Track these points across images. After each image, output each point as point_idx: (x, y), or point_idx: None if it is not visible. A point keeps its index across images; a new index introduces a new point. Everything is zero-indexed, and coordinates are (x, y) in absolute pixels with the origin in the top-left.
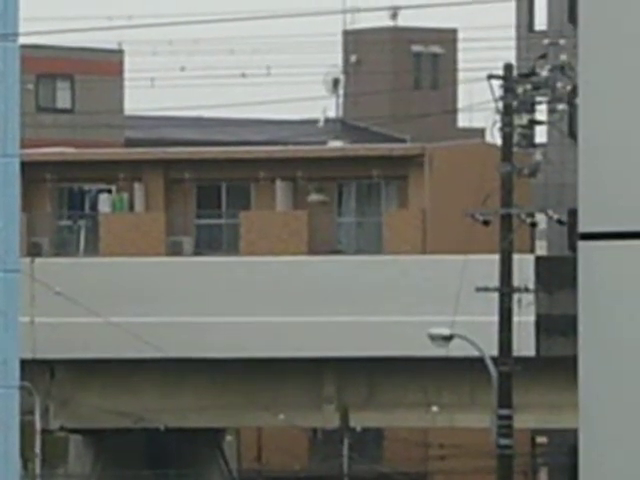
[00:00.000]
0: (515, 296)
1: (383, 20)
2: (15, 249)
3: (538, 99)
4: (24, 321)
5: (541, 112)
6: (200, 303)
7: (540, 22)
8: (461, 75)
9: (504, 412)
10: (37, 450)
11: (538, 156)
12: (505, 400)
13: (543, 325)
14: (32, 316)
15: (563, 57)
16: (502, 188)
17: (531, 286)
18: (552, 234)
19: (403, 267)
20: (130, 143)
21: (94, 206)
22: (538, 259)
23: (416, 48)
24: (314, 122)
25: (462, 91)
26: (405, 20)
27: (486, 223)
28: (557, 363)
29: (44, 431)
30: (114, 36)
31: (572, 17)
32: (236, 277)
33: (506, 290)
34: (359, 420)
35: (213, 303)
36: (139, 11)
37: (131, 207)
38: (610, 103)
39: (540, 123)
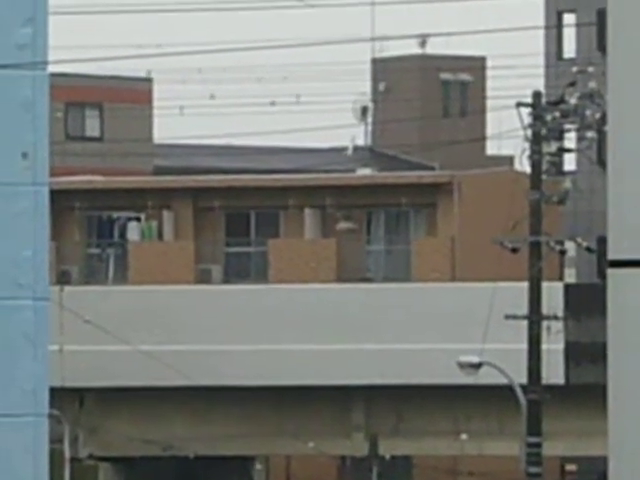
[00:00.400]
0: (544, 324)
1: (412, 48)
2: (44, 277)
3: (567, 127)
4: (53, 349)
5: (570, 140)
6: (229, 331)
7: (569, 50)
8: (490, 103)
9: (533, 440)
10: (67, 478)
11: (567, 184)
12: (534, 428)
13: (572, 353)
14: (61, 344)
15: (592, 85)
16: (531, 216)
17: (560, 314)
18: (581, 262)
19: (432, 295)
20: (159, 171)
21: (123, 234)
22: (567, 287)
23: (445, 76)
24: (343, 150)
25: (491, 119)
26: (434, 48)
27: (515, 251)
28: (586, 391)
29: (73, 459)
30: (143, 64)
31: (601, 45)
32: (265, 305)
33: (535, 318)
34: (388, 448)
35: (242, 331)
36: (168, 40)
37: (160, 235)
38: None
39: (569, 151)
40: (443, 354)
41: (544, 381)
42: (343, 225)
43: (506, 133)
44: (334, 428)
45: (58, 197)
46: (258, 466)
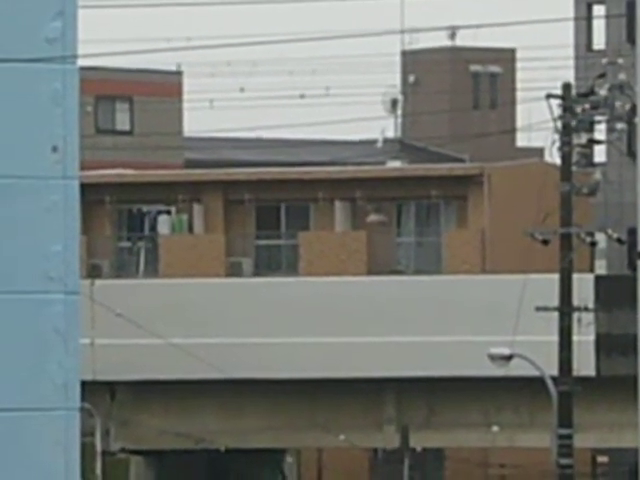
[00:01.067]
0: (575, 315)
1: (441, 40)
2: (75, 271)
3: (597, 118)
4: (84, 343)
5: (600, 131)
6: (260, 324)
7: (598, 41)
8: (520, 95)
9: (564, 432)
10: (98, 472)
11: (597, 175)
12: (565, 420)
13: (603, 344)
14: (92, 338)
15: (622, 76)
16: (561, 207)
17: (591, 305)
18: (612, 253)
19: (462, 287)
20: (189, 164)
21: (153, 227)
22: (598, 278)
23: (474, 68)
24: (373, 142)
25: (521, 111)
26: (463, 40)
27: (545, 242)
28: (617, 382)
29: (105, 453)
30: (173, 58)
31: (630, 36)
32: (295, 298)
33: (566, 309)
34: (419, 440)
35: (273, 324)
36: (198, 33)
37: (190, 228)
38: None
39: (599, 142)
40: (474, 346)
41: (575, 373)
42: (373, 217)
43: (536, 125)
44: (365, 420)
45: (88, 191)
46: (289, 459)
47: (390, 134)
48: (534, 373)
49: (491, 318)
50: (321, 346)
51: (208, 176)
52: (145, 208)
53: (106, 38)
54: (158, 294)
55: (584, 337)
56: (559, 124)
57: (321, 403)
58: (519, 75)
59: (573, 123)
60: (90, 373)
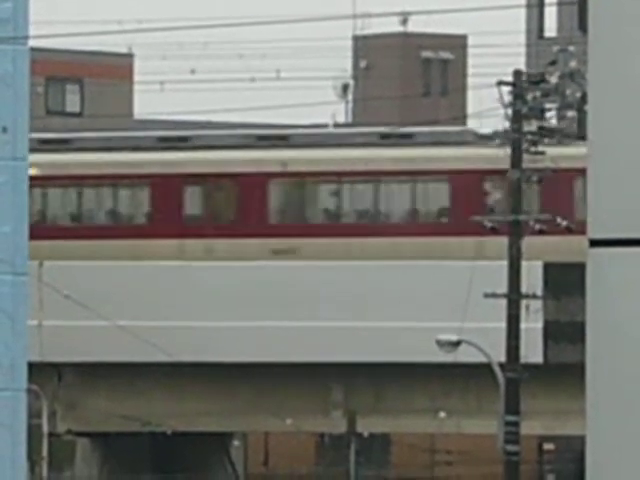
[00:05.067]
0: (523, 302)
1: (393, 26)
2: (24, 252)
3: (547, 106)
4: (32, 324)
5: (550, 119)
6: (208, 307)
7: (550, 29)
8: (471, 81)
9: (511, 418)
10: (44, 453)
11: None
12: (512, 406)
13: (551, 332)
14: (40, 319)
15: (573, 64)
16: (511, 194)
17: (539, 292)
18: None
19: (411, 272)
20: None
21: None
22: (546, 265)
23: (426, 54)
24: (323, 127)
25: (472, 97)
26: (415, 26)
27: (494, 230)
28: (565, 370)
29: (51, 434)
30: (124, 40)
31: (582, 24)
32: (245, 281)
33: (514, 296)
34: (366, 425)
35: (221, 307)
36: (149, 15)
37: None
38: (620, 110)
39: (549, 130)
40: (422, 332)
41: (523, 360)
42: None
43: (487, 112)
44: (313, 405)
45: None
46: (236, 443)
47: (341, 119)
48: (482, 359)
49: (440, 304)
50: (270, 330)
51: None
52: None
53: (57, 20)
54: (107, 276)
55: (532, 324)
56: (510, 111)
57: (268, 387)
58: (470, 61)
59: (524, 110)
60: (37, 354)
